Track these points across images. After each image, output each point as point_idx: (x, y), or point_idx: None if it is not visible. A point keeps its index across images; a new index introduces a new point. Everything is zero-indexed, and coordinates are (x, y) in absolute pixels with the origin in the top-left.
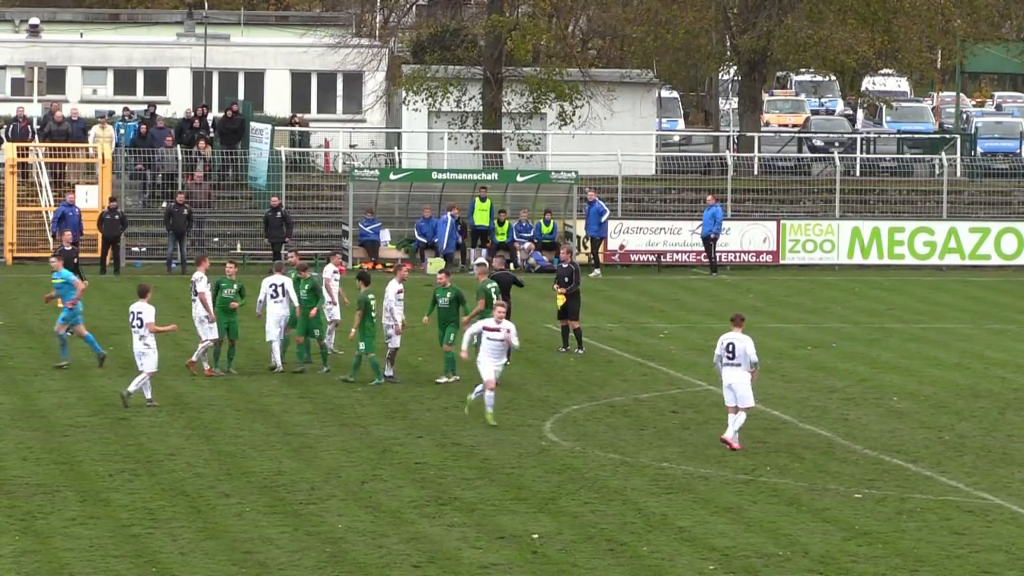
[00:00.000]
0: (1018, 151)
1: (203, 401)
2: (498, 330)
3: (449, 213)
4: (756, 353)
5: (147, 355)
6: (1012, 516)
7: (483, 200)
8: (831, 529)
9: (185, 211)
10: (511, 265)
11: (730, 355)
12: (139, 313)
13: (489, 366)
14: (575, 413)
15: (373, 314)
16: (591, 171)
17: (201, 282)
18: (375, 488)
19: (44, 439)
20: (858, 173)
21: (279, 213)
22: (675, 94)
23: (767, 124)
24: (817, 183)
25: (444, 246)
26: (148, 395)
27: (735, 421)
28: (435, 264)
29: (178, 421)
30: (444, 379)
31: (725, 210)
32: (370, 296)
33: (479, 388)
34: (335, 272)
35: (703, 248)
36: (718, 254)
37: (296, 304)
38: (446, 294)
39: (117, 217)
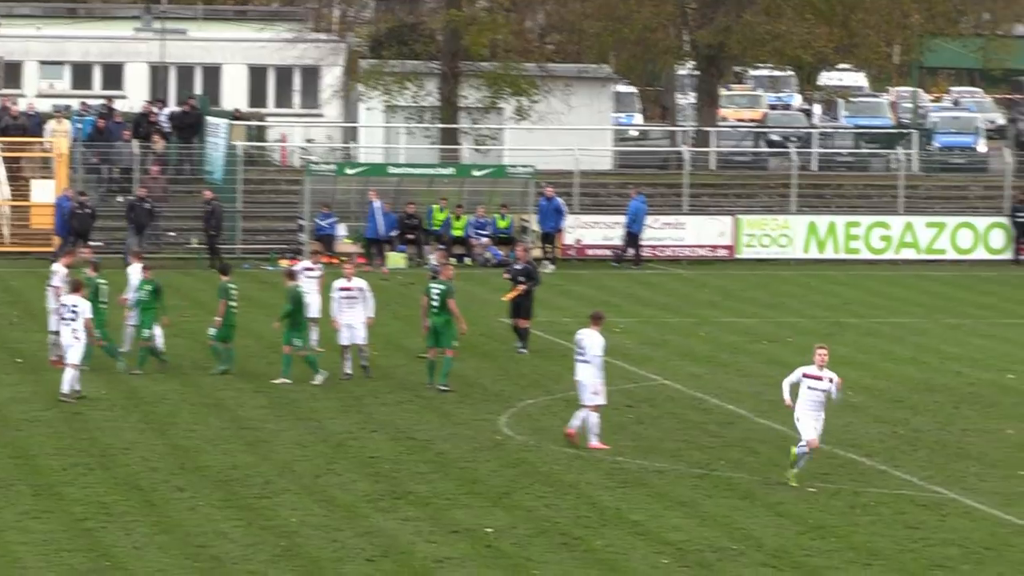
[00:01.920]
0: (974, 145)
1: (158, 396)
2: (820, 379)
3: (376, 201)
4: (601, 352)
5: (74, 346)
6: (966, 510)
7: (442, 210)
8: (785, 523)
9: (147, 205)
10: (464, 259)
11: (580, 351)
12: (74, 307)
13: (809, 421)
14: (530, 407)
15: (233, 304)
16: (548, 166)
17: (57, 276)
18: (329, 482)
19: None
20: (814, 168)
21: (210, 206)
22: (632, 89)
23: (724, 119)
24: (773, 178)
25: (375, 232)
26: (77, 387)
27: (580, 415)
28: (393, 259)
29: (132, 416)
30: (280, 380)
31: (681, 204)
32: (230, 286)
33: (802, 445)
34: (309, 268)
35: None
36: (670, 247)
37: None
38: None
39: (88, 211)
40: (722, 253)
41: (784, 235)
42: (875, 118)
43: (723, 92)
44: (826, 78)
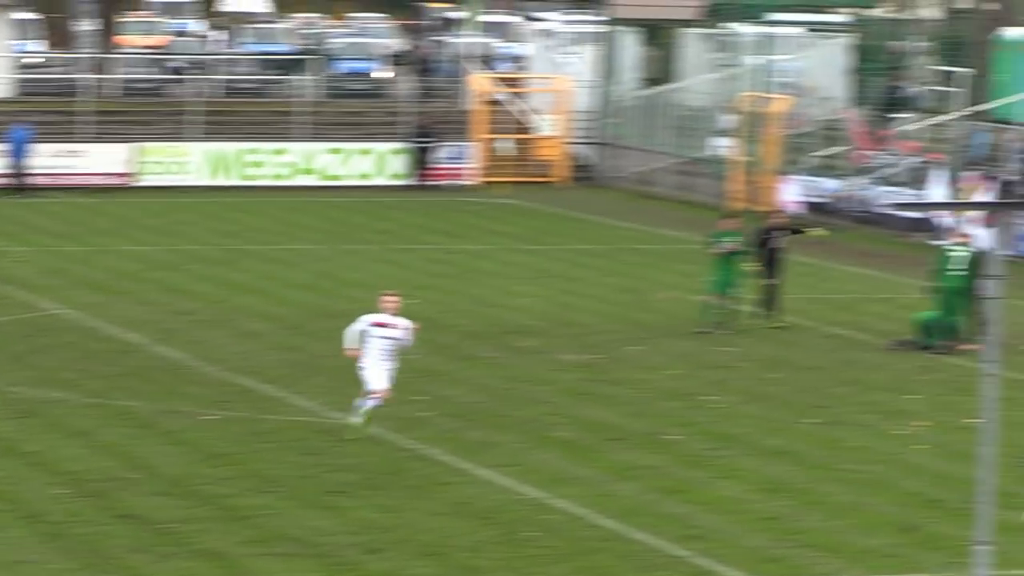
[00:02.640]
0: (370, 71)
1: None
2: (393, 326)
3: None
4: None
5: None
6: (365, 436)
7: None
8: (184, 451)
9: None
10: None
11: None
12: None
13: (377, 370)
14: None
15: None
16: None
17: None
18: None
19: None
20: (217, 94)
21: None
22: (34, 15)
23: (125, 46)
24: (173, 105)
25: None
26: None
27: None
28: None
29: None
30: None
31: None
32: None
33: (367, 401)
34: None
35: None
36: (69, 175)
37: None
38: None
39: None
40: (121, 181)
41: (183, 162)
42: (276, 44)
43: (123, 19)
44: (226, 4)
